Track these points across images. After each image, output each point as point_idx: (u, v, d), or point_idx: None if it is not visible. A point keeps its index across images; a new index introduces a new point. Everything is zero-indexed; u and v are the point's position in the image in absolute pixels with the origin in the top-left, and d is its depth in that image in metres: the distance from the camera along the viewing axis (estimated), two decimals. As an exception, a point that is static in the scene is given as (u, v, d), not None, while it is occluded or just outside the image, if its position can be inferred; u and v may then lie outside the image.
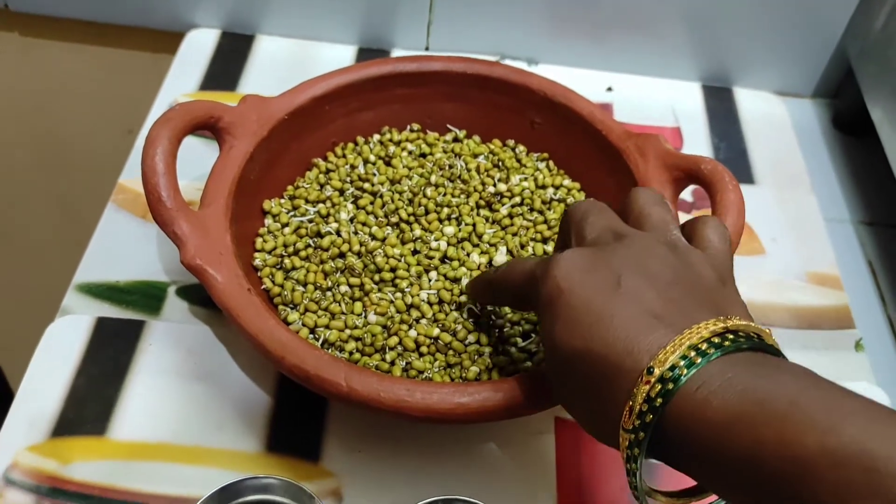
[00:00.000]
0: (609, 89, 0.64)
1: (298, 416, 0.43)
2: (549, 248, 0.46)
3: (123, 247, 0.49)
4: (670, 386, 0.27)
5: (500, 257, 0.45)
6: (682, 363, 0.27)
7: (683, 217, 0.54)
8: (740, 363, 0.27)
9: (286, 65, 0.63)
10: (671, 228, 0.34)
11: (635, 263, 0.31)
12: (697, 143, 0.61)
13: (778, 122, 0.63)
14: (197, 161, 0.50)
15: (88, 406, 0.42)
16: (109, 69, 0.70)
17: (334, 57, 0.63)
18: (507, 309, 0.43)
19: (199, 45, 0.63)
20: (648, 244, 0.32)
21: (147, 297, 0.47)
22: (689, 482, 0.30)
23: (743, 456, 0.25)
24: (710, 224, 0.34)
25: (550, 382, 0.34)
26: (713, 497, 0.30)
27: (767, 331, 0.29)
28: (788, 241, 0.55)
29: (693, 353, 0.27)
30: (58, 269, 0.57)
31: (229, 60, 0.62)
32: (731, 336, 0.28)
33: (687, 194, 0.57)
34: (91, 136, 0.74)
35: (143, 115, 0.58)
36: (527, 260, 0.35)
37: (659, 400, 0.27)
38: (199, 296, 0.47)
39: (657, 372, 0.27)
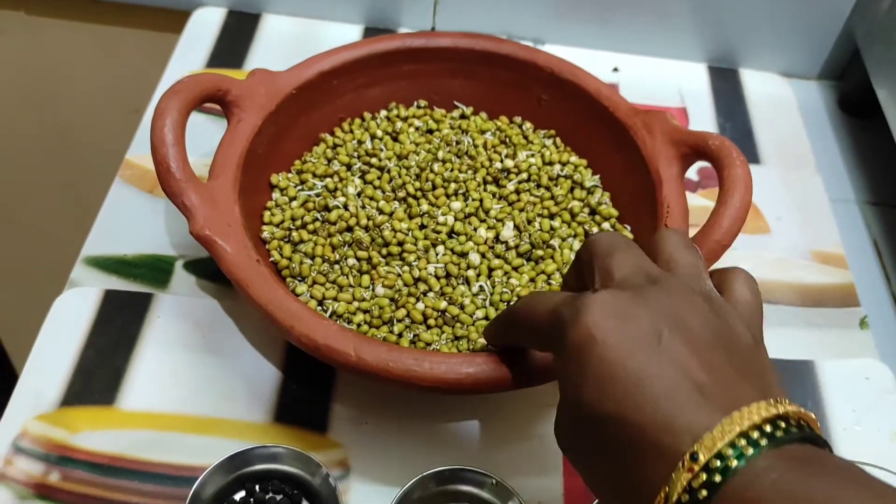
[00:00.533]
0: (615, 70, 0.64)
1: (306, 388, 0.43)
2: (556, 223, 0.47)
3: (131, 221, 0.49)
4: (717, 478, 0.24)
5: (507, 232, 0.45)
6: (731, 452, 0.24)
7: (690, 196, 0.54)
8: (793, 460, 0.24)
9: (292, 44, 0.63)
10: (704, 277, 0.31)
11: (674, 316, 0.28)
12: (703, 124, 0.61)
13: (784, 104, 0.63)
14: (204, 137, 0.50)
15: (97, 376, 0.42)
16: (115, 48, 0.70)
17: (340, 36, 0.63)
18: (513, 282, 0.43)
19: (206, 24, 0.63)
20: (685, 294, 0.29)
21: (155, 270, 0.47)
22: None
23: None
24: (741, 276, 0.31)
25: (561, 440, 0.30)
26: None
27: (813, 417, 0.27)
28: (793, 220, 0.55)
29: (743, 442, 0.24)
30: (64, 245, 0.57)
31: (235, 39, 0.62)
32: (782, 424, 0.25)
33: (692, 173, 0.57)
34: (97, 115, 0.74)
35: (149, 95, 0.58)
36: (551, 295, 0.31)
37: (703, 492, 0.24)
38: (207, 270, 0.47)
39: (702, 459, 0.24)
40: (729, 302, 0.30)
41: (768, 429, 0.25)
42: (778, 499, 0.23)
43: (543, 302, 0.31)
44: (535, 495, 0.40)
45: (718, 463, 0.24)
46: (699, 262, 0.31)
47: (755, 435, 0.24)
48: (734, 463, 0.24)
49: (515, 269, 0.44)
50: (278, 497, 0.39)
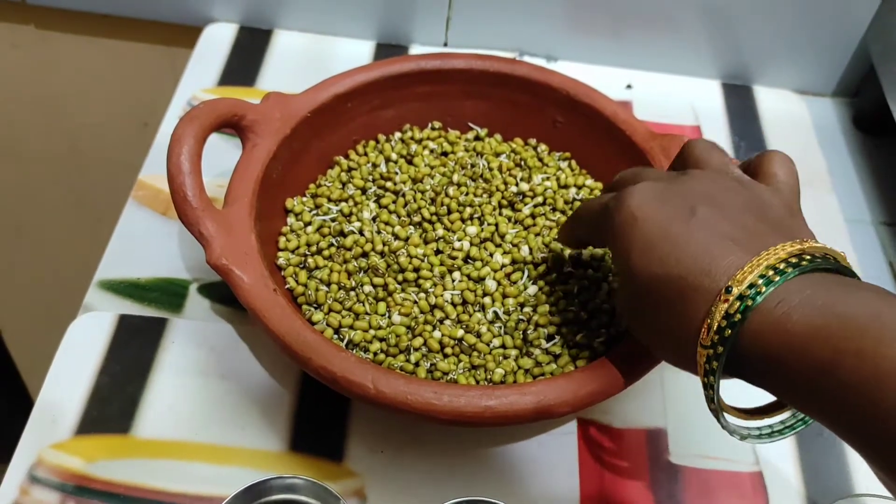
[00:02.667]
0: (629, 87, 0.63)
1: (321, 416, 0.43)
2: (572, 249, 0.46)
3: (144, 243, 0.49)
4: (749, 303, 0.28)
5: (524, 255, 0.45)
6: (760, 281, 0.28)
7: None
8: (819, 282, 0.28)
9: (304, 60, 0.62)
10: (732, 168, 0.35)
11: (706, 194, 0.32)
12: (717, 142, 0.60)
13: (798, 121, 0.63)
14: (218, 158, 0.50)
15: (112, 404, 0.42)
16: (125, 63, 0.70)
17: (352, 52, 0.63)
18: (528, 309, 0.43)
19: (218, 40, 0.63)
20: (715, 177, 0.33)
21: (169, 294, 0.47)
22: (760, 402, 0.33)
23: (821, 367, 0.26)
24: (776, 158, 0.35)
25: (623, 313, 0.36)
26: (784, 414, 0.33)
27: (842, 254, 0.30)
28: (809, 241, 0.54)
29: (771, 272, 0.28)
30: (78, 265, 0.57)
31: (247, 55, 0.62)
32: (808, 257, 0.29)
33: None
34: (107, 129, 0.74)
35: (159, 109, 0.58)
36: (601, 196, 0.37)
37: (738, 316, 0.28)
38: (222, 294, 0.47)
39: (735, 291, 0.28)
40: (764, 182, 0.34)
41: (794, 261, 0.28)
42: (806, 310, 0.27)
43: (595, 201, 0.38)
44: (553, 526, 0.40)
45: (749, 291, 0.28)
46: (726, 158, 0.35)
47: (782, 266, 0.28)
48: (763, 289, 0.28)
49: (532, 295, 0.44)
50: (295, 528, 0.39)
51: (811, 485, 0.43)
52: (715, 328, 0.29)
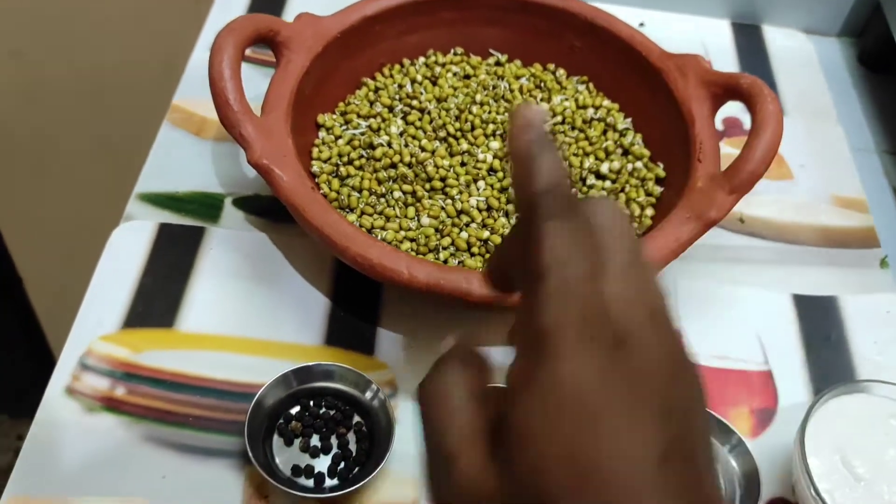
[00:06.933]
0: (641, 25, 0.65)
1: (352, 314, 0.45)
2: (591, 160, 0.48)
3: (180, 161, 0.51)
4: None
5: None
6: None
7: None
8: None
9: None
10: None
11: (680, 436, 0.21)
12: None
13: (806, 60, 0.65)
14: (249, 84, 0.52)
15: (156, 301, 0.44)
16: (153, 3, 0.72)
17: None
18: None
19: (243, -22, 0.65)
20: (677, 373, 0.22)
21: (205, 206, 0.49)
22: None
23: None
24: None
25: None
26: None
27: None
28: (816, 167, 0.57)
29: None
30: (111, 191, 0.59)
31: (272, -8, 0.64)
32: None
33: (718, 123, 0.58)
34: (133, 69, 0.76)
35: (184, 50, 0.60)
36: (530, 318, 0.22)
37: None
38: (255, 206, 0.49)
39: None
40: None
41: None
42: None
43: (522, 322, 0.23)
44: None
45: None
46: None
47: None
48: None
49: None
50: (332, 412, 0.41)
51: (816, 381, 0.45)
52: None
